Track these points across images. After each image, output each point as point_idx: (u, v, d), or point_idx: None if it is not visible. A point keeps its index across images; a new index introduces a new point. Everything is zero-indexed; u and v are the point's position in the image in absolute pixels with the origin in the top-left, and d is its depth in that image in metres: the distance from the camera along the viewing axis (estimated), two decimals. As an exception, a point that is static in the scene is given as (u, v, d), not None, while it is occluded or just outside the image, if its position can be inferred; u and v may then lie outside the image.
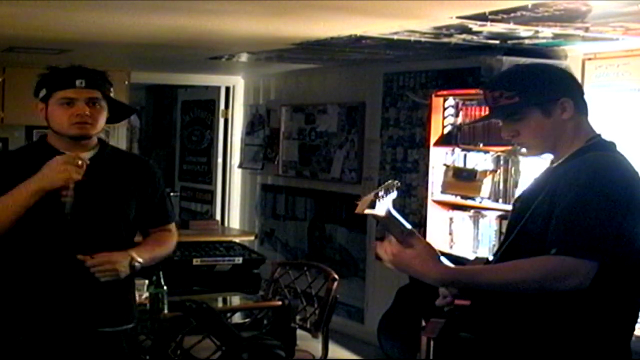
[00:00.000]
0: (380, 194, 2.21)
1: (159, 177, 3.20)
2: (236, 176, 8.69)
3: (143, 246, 3.08)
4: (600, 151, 2.36)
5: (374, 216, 2.24)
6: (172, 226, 3.24)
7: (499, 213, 5.15)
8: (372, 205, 2.20)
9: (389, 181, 2.31)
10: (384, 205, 2.23)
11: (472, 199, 5.31)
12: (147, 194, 3.10)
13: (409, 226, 2.29)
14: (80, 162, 2.83)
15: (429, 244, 2.31)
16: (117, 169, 3.06)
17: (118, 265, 2.89)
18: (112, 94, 3.00)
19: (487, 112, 2.51)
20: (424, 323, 2.53)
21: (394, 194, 2.27)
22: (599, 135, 2.43)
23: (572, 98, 2.39)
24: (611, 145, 2.41)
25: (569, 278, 2.16)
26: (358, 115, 6.84)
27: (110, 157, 3.07)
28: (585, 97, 2.45)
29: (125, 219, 3.03)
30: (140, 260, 2.96)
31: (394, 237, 2.27)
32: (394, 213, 2.26)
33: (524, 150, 2.51)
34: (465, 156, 5.44)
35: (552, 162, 2.46)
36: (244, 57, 6.55)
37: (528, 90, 2.36)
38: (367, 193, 2.27)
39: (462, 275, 2.28)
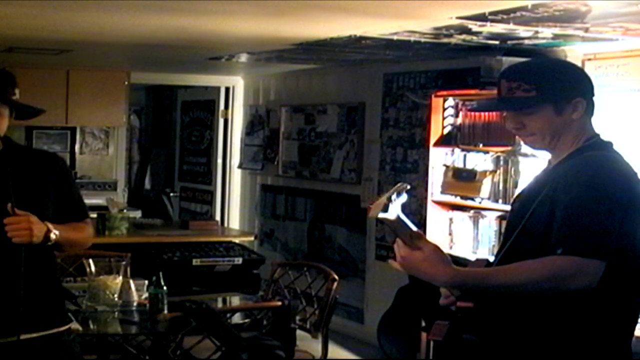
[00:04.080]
0: (393, 197, 2.20)
1: (69, 171, 3.09)
2: (236, 176, 8.68)
3: (60, 225, 2.85)
4: (598, 151, 2.36)
5: (385, 220, 2.23)
6: (89, 220, 3.08)
7: (499, 213, 5.15)
8: (385, 209, 2.18)
9: (399, 184, 2.29)
10: (395, 208, 2.21)
11: (472, 199, 5.31)
12: (63, 192, 2.95)
13: (415, 228, 2.28)
14: None
15: (437, 247, 2.29)
16: (27, 166, 2.89)
17: (34, 227, 2.69)
18: (14, 96, 2.90)
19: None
20: (423, 323, 2.52)
21: (404, 197, 2.25)
22: (598, 135, 2.43)
23: (585, 99, 2.38)
24: (608, 145, 2.41)
25: (578, 278, 2.15)
26: (358, 116, 6.84)
27: (18, 154, 2.90)
28: (595, 98, 2.44)
29: (44, 218, 2.80)
30: (56, 232, 2.76)
31: (401, 240, 2.26)
32: (402, 216, 2.25)
33: (523, 142, 2.48)
34: (465, 156, 5.44)
35: (551, 161, 2.46)
36: (243, 58, 6.55)
37: (547, 86, 2.33)
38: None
39: (471, 277, 2.26)
